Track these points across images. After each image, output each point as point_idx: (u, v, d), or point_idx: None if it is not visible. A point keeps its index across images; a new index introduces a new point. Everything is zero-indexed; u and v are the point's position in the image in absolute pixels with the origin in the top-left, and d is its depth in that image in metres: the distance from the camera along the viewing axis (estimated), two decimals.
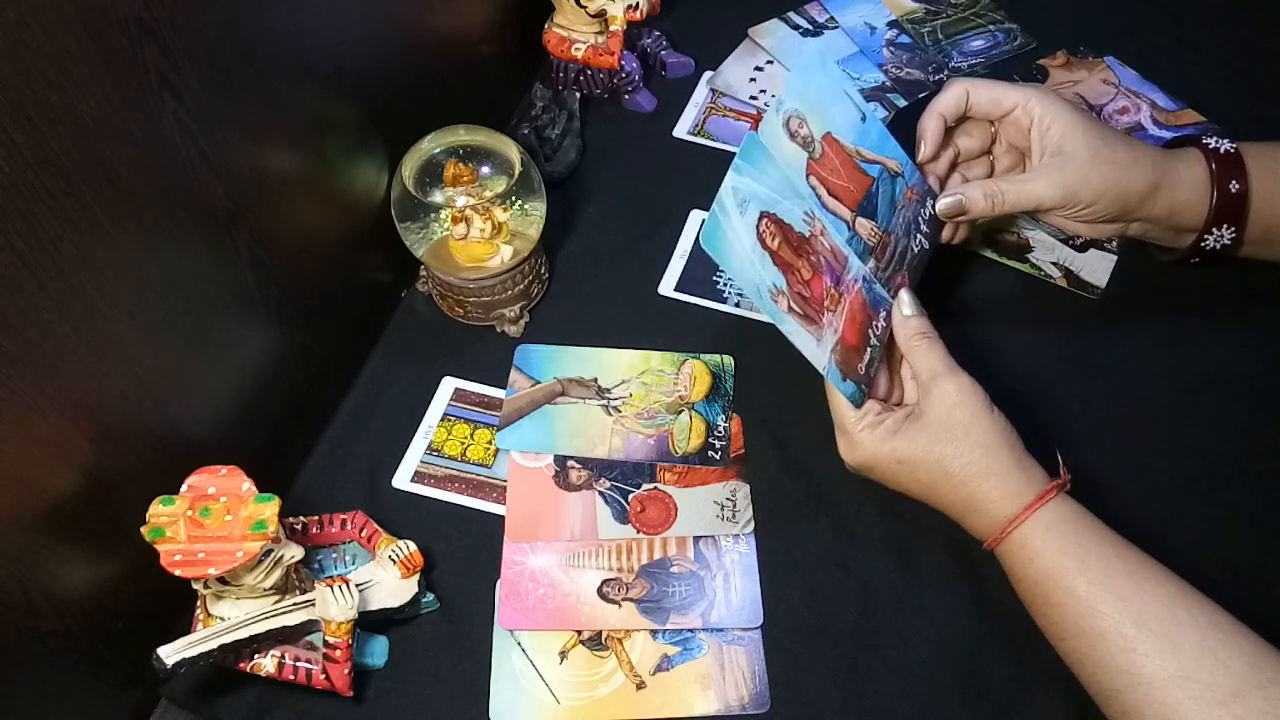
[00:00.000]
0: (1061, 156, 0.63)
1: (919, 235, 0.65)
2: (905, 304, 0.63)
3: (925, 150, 0.65)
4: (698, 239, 0.78)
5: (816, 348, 0.58)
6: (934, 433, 0.57)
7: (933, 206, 0.65)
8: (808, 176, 0.59)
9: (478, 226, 0.66)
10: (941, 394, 0.58)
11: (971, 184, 0.65)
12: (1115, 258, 0.76)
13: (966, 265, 0.77)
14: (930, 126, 0.65)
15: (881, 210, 0.63)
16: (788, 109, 0.59)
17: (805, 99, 0.60)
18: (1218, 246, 0.66)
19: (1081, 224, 0.65)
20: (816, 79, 0.61)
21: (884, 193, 0.63)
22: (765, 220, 0.57)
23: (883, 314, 0.62)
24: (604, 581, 0.62)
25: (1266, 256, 0.69)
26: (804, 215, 0.59)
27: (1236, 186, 0.63)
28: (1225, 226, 0.65)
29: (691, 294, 0.75)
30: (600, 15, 0.82)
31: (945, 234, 0.68)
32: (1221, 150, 0.64)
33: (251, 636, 0.53)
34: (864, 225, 0.62)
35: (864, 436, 0.59)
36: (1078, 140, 0.62)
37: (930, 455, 0.57)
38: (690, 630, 0.60)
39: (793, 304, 0.57)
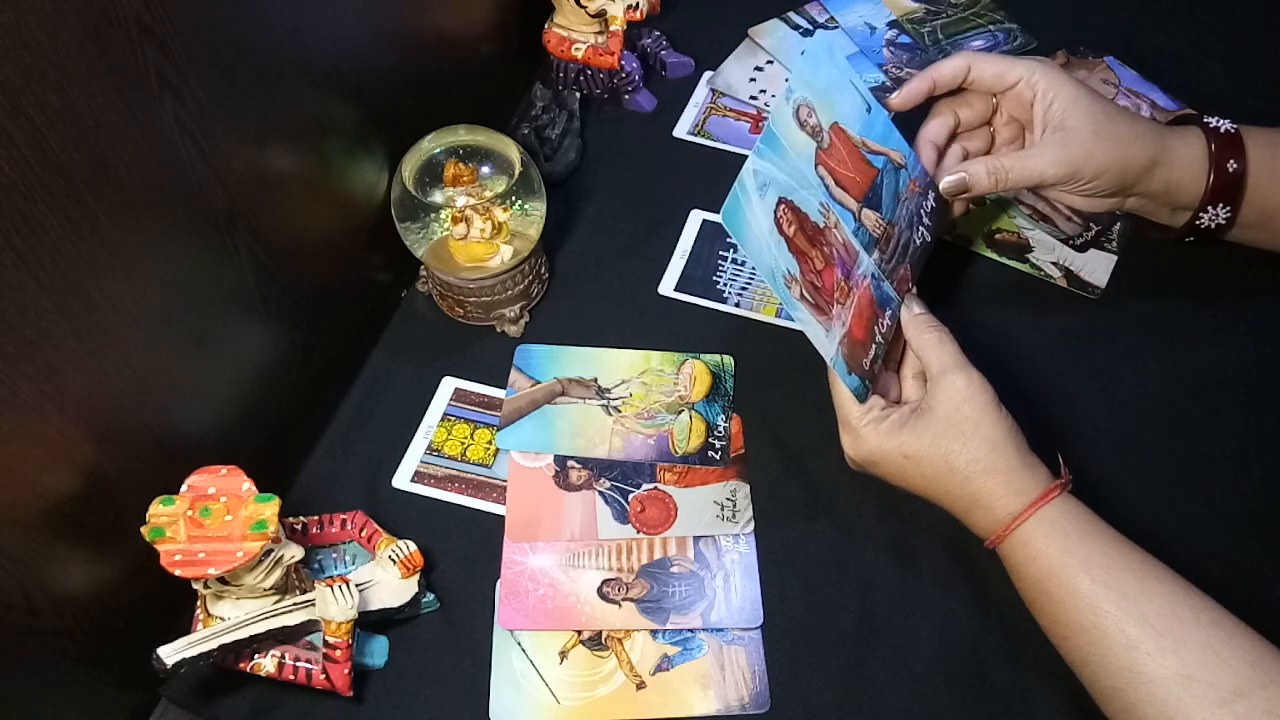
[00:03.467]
0: (1064, 131, 0.63)
1: (921, 228, 0.65)
2: (915, 303, 0.63)
3: (896, 99, 0.65)
4: (698, 239, 0.78)
5: (825, 338, 0.58)
6: (941, 428, 0.57)
7: (934, 199, 0.65)
8: (816, 166, 0.59)
9: (478, 226, 0.66)
10: (951, 388, 0.58)
11: (975, 161, 0.65)
12: (1115, 258, 0.76)
13: (966, 265, 0.77)
14: (916, 86, 0.65)
15: (885, 202, 0.63)
16: (797, 97, 0.59)
17: (814, 88, 0.60)
18: (1213, 225, 0.66)
19: (1080, 198, 0.65)
20: (825, 68, 0.61)
21: (888, 184, 0.63)
22: (783, 206, 0.57)
23: (888, 313, 0.62)
24: (604, 581, 0.62)
25: (1263, 244, 0.69)
26: (819, 206, 0.59)
27: (1234, 166, 0.64)
28: (1221, 205, 0.65)
29: (691, 294, 0.75)
30: (600, 15, 0.82)
31: (957, 209, 0.68)
32: (1222, 130, 0.65)
33: (251, 636, 0.53)
34: (869, 217, 0.61)
35: (869, 431, 0.58)
36: (1080, 115, 0.62)
37: (937, 450, 0.57)
38: (690, 630, 0.60)
39: (804, 292, 0.57)
